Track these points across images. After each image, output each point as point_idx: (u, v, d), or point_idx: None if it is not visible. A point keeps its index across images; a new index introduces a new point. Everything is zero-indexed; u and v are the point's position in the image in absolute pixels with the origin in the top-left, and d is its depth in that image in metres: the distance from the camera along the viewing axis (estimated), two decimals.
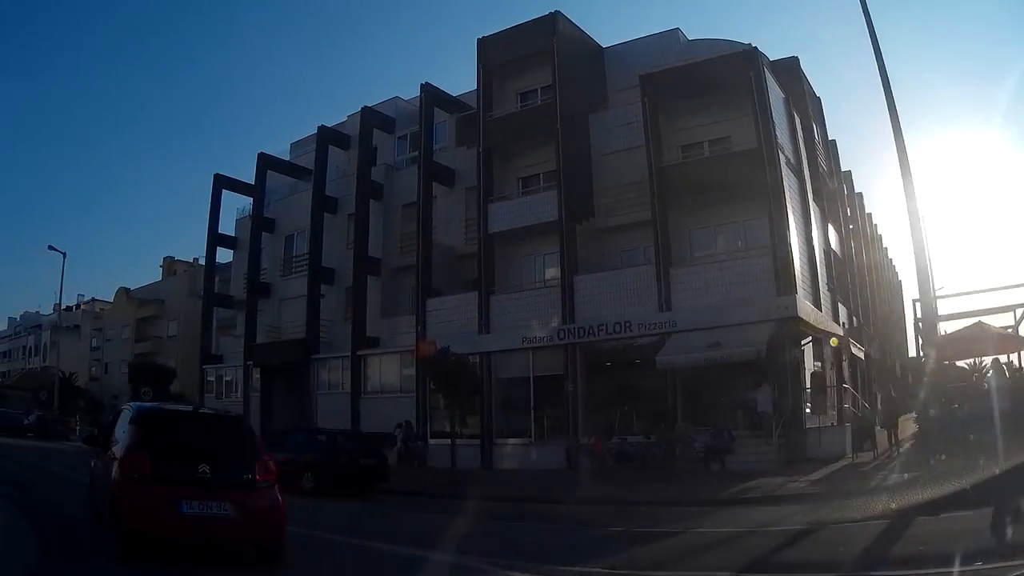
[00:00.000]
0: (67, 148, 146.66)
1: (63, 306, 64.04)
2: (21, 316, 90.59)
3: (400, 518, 15.68)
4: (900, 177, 15.30)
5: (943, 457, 16.17)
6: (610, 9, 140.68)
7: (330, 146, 35.87)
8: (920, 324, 23.29)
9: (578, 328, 25.37)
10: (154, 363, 49.61)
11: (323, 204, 34.89)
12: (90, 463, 11.05)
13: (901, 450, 21.12)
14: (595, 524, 13.24)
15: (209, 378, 40.05)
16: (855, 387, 29.66)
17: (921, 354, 24.23)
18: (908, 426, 23.99)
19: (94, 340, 70.37)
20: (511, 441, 26.73)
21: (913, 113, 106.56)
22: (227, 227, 41.53)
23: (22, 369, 76.68)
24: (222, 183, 41.00)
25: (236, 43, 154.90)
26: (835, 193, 33.36)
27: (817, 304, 25.08)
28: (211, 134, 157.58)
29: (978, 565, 7.54)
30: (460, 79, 43.19)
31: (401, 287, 32.34)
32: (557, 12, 28.03)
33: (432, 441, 27.44)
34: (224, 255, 42.33)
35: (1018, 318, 21.10)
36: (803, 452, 21.19)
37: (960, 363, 26.76)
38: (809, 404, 23.75)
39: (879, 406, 28.40)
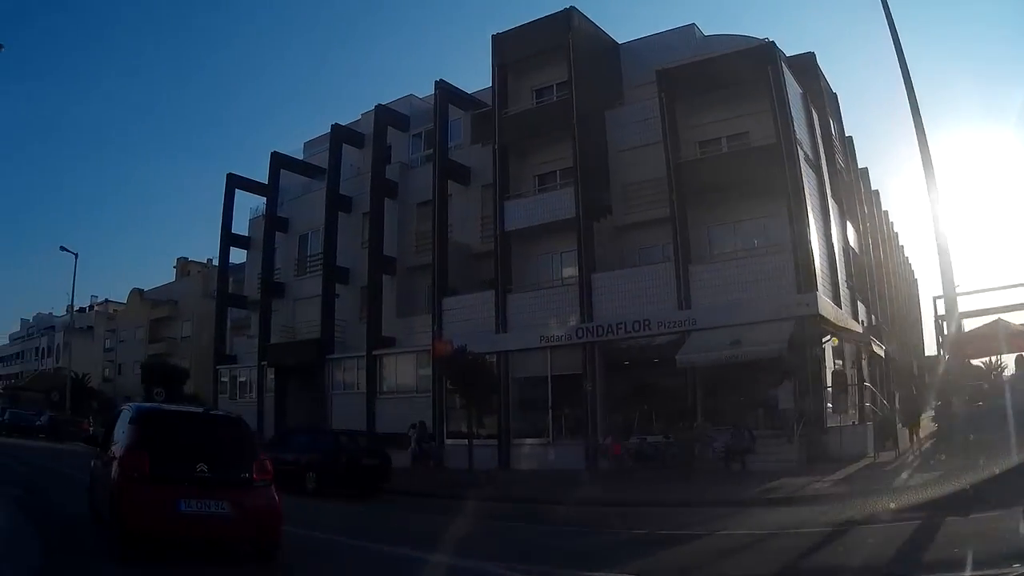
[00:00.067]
0: (78, 148, 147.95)
1: (76, 307, 64.42)
2: (34, 318, 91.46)
3: (402, 519, 15.54)
4: (920, 176, 15.33)
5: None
6: (625, 5, 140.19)
7: (344, 145, 35.74)
8: (942, 321, 22.97)
9: (596, 327, 25.19)
10: (167, 363, 49.60)
11: (337, 203, 34.79)
12: (90, 463, 11.09)
13: (923, 449, 20.85)
14: (617, 527, 12.97)
15: (223, 379, 39.98)
16: (875, 386, 29.37)
17: (942, 352, 23.92)
18: (927, 425, 23.71)
19: (107, 341, 70.62)
20: (528, 441, 26.54)
21: (927, 110, 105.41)
22: (240, 227, 41.63)
23: (35, 370, 77.23)
24: (235, 183, 40.96)
25: (248, 42, 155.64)
26: (852, 190, 33.06)
27: (837, 302, 24.83)
28: (223, 133, 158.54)
29: (1016, 567, 7.31)
30: (475, 76, 43.67)
31: (417, 286, 32.14)
32: (572, 8, 27.85)
33: (449, 441, 27.32)
34: (238, 255, 42.37)
35: None
36: (824, 451, 20.89)
37: (975, 362, 26.44)
38: (830, 403, 23.45)
39: (898, 405, 28.11)
